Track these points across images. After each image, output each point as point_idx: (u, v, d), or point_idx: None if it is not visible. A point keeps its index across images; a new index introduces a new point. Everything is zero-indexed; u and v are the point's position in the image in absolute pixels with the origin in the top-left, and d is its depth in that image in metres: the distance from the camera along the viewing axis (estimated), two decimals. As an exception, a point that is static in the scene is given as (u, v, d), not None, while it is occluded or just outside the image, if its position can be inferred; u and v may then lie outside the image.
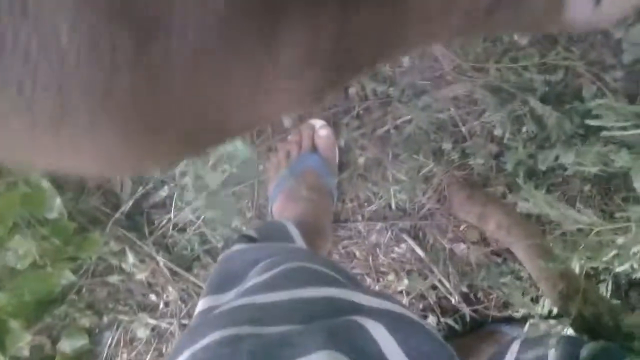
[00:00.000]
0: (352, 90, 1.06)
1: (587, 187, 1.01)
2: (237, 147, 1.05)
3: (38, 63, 0.13)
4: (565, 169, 1.00)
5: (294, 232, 0.82)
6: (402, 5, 0.18)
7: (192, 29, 0.14)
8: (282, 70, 0.17)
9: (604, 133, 0.92)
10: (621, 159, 0.90)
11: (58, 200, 1.01)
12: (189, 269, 1.10)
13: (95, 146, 0.16)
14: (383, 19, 0.18)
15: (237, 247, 0.73)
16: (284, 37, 0.16)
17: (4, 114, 0.14)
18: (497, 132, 1.02)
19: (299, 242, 0.80)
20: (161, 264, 1.07)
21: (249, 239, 0.77)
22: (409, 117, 1.04)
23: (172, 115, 0.16)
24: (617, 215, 0.92)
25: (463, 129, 1.04)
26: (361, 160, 1.06)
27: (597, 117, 0.94)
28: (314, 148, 1.04)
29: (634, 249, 0.88)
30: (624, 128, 0.93)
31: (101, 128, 0.15)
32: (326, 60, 0.18)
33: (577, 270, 0.85)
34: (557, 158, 0.94)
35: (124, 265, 1.08)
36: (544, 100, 1.01)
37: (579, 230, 0.88)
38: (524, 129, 1.01)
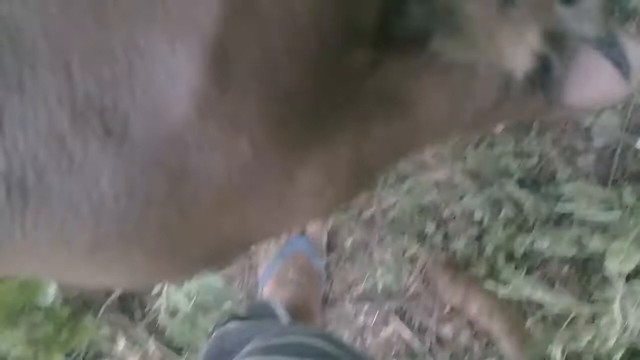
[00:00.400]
0: (338, 176, 1.11)
1: (565, 269, 1.04)
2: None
3: (80, 204, 0.14)
4: (544, 251, 1.04)
5: (282, 314, 0.85)
6: (411, 117, 0.19)
7: (219, 173, 0.15)
8: (303, 193, 0.18)
9: (577, 216, 0.96)
10: (594, 243, 0.94)
11: (54, 287, 1.03)
12: (180, 351, 1.11)
13: (126, 267, 0.17)
14: (395, 134, 0.19)
15: (231, 324, 0.75)
16: (304, 169, 0.17)
17: (45, 246, 0.15)
18: (477, 215, 1.06)
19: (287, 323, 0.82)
20: (152, 348, 1.08)
21: (241, 318, 0.79)
22: (393, 200, 1.09)
23: (198, 239, 0.17)
24: (596, 296, 0.95)
25: (445, 212, 1.08)
26: (348, 242, 1.10)
27: (570, 200, 0.99)
28: (302, 231, 1.07)
29: (614, 331, 0.91)
30: (597, 212, 0.98)
31: (132, 253, 0.16)
32: (344, 179, 0.19)
33: (558, 354, 0.88)
34: (533, 243, 0.98)
35: (115, 350, 1.09)
36: (520, 184, 1.06)
37: (559, 314, 0.91)
38: (502, 212, 1.05)
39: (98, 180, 0.14)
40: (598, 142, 1.07)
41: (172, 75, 0.13)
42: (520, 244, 0.99)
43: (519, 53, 0.19)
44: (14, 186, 0.13)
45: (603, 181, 1.06)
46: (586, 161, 1.07)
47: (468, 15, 0.18)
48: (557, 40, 0.18)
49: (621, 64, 0.18)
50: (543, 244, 0.95)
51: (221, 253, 0.19)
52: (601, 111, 1.06)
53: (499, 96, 0.20)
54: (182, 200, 0.15)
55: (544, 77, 0.19)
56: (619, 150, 1.06)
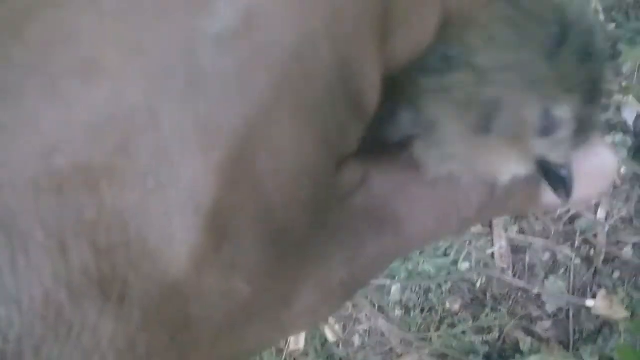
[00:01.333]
0: None
1: None
2: None
3: None
4: None
5: None
6: (401, 232, 0.19)
7: (218, 315, 0.15)
8: (298, 314, 0.18)
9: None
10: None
11: None
12: None
13: None
14: (386, 248, 0.19)
15: None
16: (300, 293, 0.17)
17: None
18: (453, 396, 1.08)
19: None
20: None
21: None
22: (369, 392, 1.10)
23: None
24: None
25: (421, 397, 1.09)
26: None
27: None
28: None
29: None
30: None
31: None
32: (337, 296, 0.19)
33: None
34: None
35: None
36: (487, 358, 1.09)
37: None
38: (476, 390, 1.07)
39: (98, 344, 0.14)
40: (551, 307, 1.13)
41: (169, 240, 0.14)
42: None
43: (503, 167, 0.19)
44: None
45: (564, 345, 1.10)
46: (544, 327, 1.12)
47: (448, 131, 0.19)
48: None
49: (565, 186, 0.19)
50: None
51: None
52: (545, 278, 1.14)
53: (483, 202, 0.20)
54: (182, 345, 0.15)
55: (547, 178, 0.19)
56: (571, 313, 1.12)
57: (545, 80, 0.18)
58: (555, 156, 0.19)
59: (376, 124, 0.17)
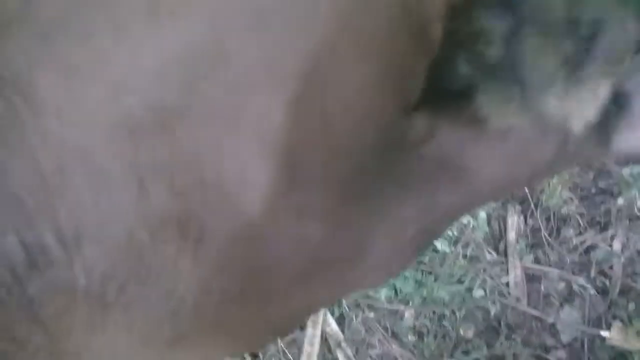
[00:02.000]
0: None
1: None
2: None
3: (158, 308, 0.14)
4: None
5: None
6: (471, 184, 0.18)
7: (291, 261, 0.15)
8: (370, 268, 0.18)
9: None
10: None
11: None
12: None
13: (202, 354, 0.17)
14: (456, 200, 0.19)
15: None
16: (373, 244, 0.17)
17: (124, 346, 0.15)
18: None
19: None
20: None
21: None
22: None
23: (269, 323, 0.17)
24: None
25: None
26: None
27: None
28: None
29: None
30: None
31: (209, 343, 0.16)
32: (408, 250, 0.19)
33: None
34: None
35: None
36: (501, 388, 1.09)
37: None
38: (489, 419, 1.07)
39: (176, 286, 0.14)
40: (565, 337, 1.13)
41: (243, 180, 0.14)
42: None
43: (584, 110, 0.18)
44: (95, 300, 0.13)
45: (579, 376, 1.09)
46: (558, 356, 1.11)
47: (531, 74, 0.17)
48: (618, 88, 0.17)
49: None
50: None
51: (284, 329, 0.18)
52: (561, 307, 1.14)
53: (556, 154, 0.19)
54: (257, 293, 0.15)
55: (603, 125, 0.18)
56: (586, 344, 1.11)
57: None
58: None
59: (435, 73, 0.16)
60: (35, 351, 0.14)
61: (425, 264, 1.13)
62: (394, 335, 1.16)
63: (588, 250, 1.16)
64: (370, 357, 1.15)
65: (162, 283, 0.14)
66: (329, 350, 1.13)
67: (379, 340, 1.16)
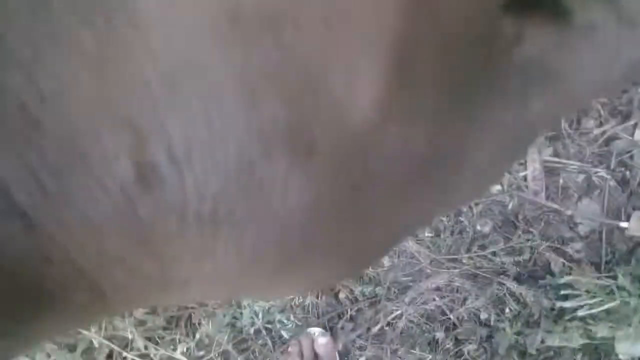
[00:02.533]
0: (342, 295, 1.14)
1: (578, 357, 1.05)
2: (243, 366, 1.10)
3: (268, 227, 0.14)
4: (555, 341, 1.05)
5: None
6: (564, 87, 0.18)
7: (398, 169, 0.15)
8: (465, 178, 0.18)
9: (580, 311, 0.99)
10: (601, 331, 0.96)
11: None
12: None
13: (311, 277, 0.17)
14: (551, 105, 0.18)
15: None
16: (469, 151, 0.17)
17: (234, 272, 0.15)
18: (484, 315, 1.09)
19: None
20: None
21: None
22: (399, 312, 1.11)
23: (375, 239, 0.17)
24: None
25: (451, 316, 1.10)
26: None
27: (569, 297, 1.02)
28: (315, 356, 1.09)
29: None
30: (596, 303, 1.01)
31: (317, 264, 0.16)
32: (504, 155, 0.19)
33: None
34: (543, 341, 1.00)
35: None
36: (518, 280, 1.09)
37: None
38: (507, 310, 1.08)
39: (286, 203, 0.14)
40: (583, 229, 1.12)
41: (354, 83, 0.13)
42: (531, 344, 1.01)
43: None
44: (206, 220, 0.13)
45: (596, 266, 1.09)
46: (576, 248, 1.11)
47: None
48: None
49: None
50: (552, 342, 0.97)
51: (383, 251, 0.18)
52: (579, 199, 1.12)
53: None
54: (360, 208, 0.15)
55: None
56: (604, 235, 1.11)
57: None
58: None
59: None
60: (145, 280, 0.14)
61: (441, 160, 1.11)
62: (410, 233, 1.15)
63: (608, 141, 1.13)
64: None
65: (272, 200, 0.13)
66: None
67: (394, 239, 1.16)
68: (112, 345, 1.05)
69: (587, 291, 1.02)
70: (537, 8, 0.17)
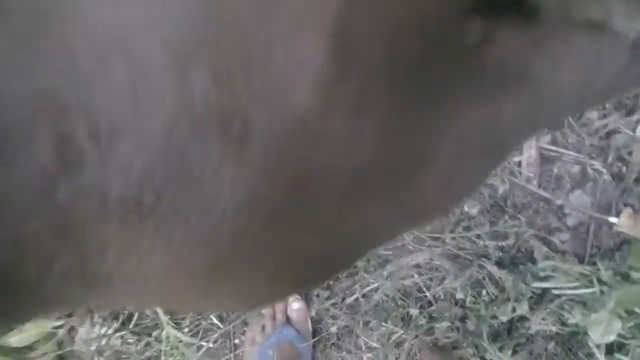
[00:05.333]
0: (321, 262, 1.13)
1: (551, 346, 1.05)
2: (213, 322, 1.10)
3: (200, 222, 0.13)
4: (528, 328, 1.05)
5: None
6: (539, 91, 0.17)
7: (342, 167, 0.14)
8: (432, 185, 0.16)
9: (556, 292, 0.98)
10: (575, 317, 0.96)
11: None
12: None
13: (246, 289, 0.16)
14: (525, 110, 0.17)
15: None
16: (434, 157, 0.16)
17: (160, 273, 0.14)
18: (460, 296, 1.08)
19: None
20: None
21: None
22: (375, 285, 1.11)
23: (319, 254, 0.16)
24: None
25: (428, 294, 1.10)
26: (333, 329, 1.10)
27: (547, 278, 1.01)
28: (287, 320, 1.08)
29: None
30: (574, 288, 1.00)
31: (253, 272, 0.15)
32: (475, 162, 0.18)
33: None
34: (514, 310, 1.00)
35: None
36: (499, 264, 1.08)
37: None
38: (484, 292, 1.07)
39: (219, 194, 0.12)
40: (572, 220, 1.11)
41: (293, 63, 0.12)
42: (502, 314, 1.01)
43: None
44: (130, 208, 0.12)
45: (580, 258, 1.08)
46: (562, 239, 1.09)
47: None
48: None
49: None
50: (522, 310, 0.98)
51: (335, 264, 0.17)
52: (571, 190, 1.10)
53: (629, 57, 0.18)
54: (305, 207, 0.14)
55: None
56: (592, 228, 1.09)
57: None
58: None
59: None
60: (64, 273, 0.12)
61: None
62: (397, 207, 1.14)
63: (609, 134, 1.10)
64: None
65: (203, 191, 0.12)
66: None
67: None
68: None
69: (566, 275, 1.01)
70: (508, 10, 0.16)
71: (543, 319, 1.03)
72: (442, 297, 1.10)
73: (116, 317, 1.08)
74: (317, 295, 1.12)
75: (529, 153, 1.11)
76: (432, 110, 0.15)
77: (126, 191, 0.12)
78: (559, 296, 1.03)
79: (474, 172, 0.18)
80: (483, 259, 1.07)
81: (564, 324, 1.02)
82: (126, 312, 1.08)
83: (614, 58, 0.17)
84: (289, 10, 0.12)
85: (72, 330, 1.08)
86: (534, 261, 1.08)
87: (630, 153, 1.10)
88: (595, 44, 0.17)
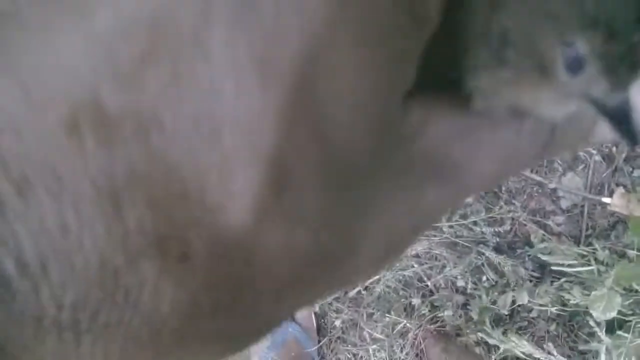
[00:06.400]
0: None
1: (552, 327, 1.06)
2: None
3: (140, 331, 0.13)
4: (530, 311, 1.06)
5: None
6: (462, 179, 0.18)
7: (279, 270, 0.15)
8: (364, 262, 0.17)
9: (556, 268, 1.00)
10: (575, 297, 0.97)
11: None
12: None
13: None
14: (446, 196, 0.18)
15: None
16: (365, 241, 0.17)
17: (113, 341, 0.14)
18: (460, 283, 1.09)
19: None
20: None
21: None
22: (377, 277, 1.12)
23: (256, 328, 0.17)
24: (583, 348, 0.97)
25: (429, 283, 1.11)
26: (337, 322, 1.12)
27: (544, 265, 1.02)
28: (291, 317, 1.09)
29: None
30: (572, 265, 1.01)
31: (195, 355, 0.16)
32: (401, 241, 0.19)
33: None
34: (514, 302, 1.01)
35: None
36: (497, 249, 1.10)
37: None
38: (484, 278, 1.08)
39: (158, 308, 0.13)
40: (565, 202, 1.12)
41: (228, 192, 0.13)
42: (503, 306, 1.02)
43: (543, 104, 0.18)
44: (66, 329, 0.12)
45: (575, 240, 1.10)
46: (557, 221, 1.11)
47: (473, 64, 0.18)
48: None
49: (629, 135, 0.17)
50: (522, 300, 0.99)
51: (271, 329, 0.18)
52: (563, 174, 1.12)
53: (544, 143, 0.19)
54: (247, 303, 0.15)
55: (611, 121, 0.18)
56: (586, 210, 1.11)
57: (562, 14, 0.17)
58: (605, 95, 0.17)
59: (427, 62, 0.16)
60: None
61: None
62: (393, 200, 1.15)
63: (597, 116, 1.12)
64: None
65: (141, 306, 0.13)
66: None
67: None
68: None
69: (564, 256, 1.03)
70: (444, 93, 0.18)
71: (543, 303, 1.04)
72: (443, 285, 1.11)
73: None
74: (320, 291, 1.13)
75: (519, 139, 1.13)
76: (362, 204, 0.16)
77: (61, 315, 0.12)
78: (558, 278, 1.05)
79: (403, 245, 0.19)
80: (481, 245, 1.09)
81: (564, 304, 1.04)
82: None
83: (534, 141, 0.19)
84: (224, 146, 0.12)
85: None
86: (531, 245, 1.09)
87: (618, 133, 1.12)
88: (518, 133, 0.18)
